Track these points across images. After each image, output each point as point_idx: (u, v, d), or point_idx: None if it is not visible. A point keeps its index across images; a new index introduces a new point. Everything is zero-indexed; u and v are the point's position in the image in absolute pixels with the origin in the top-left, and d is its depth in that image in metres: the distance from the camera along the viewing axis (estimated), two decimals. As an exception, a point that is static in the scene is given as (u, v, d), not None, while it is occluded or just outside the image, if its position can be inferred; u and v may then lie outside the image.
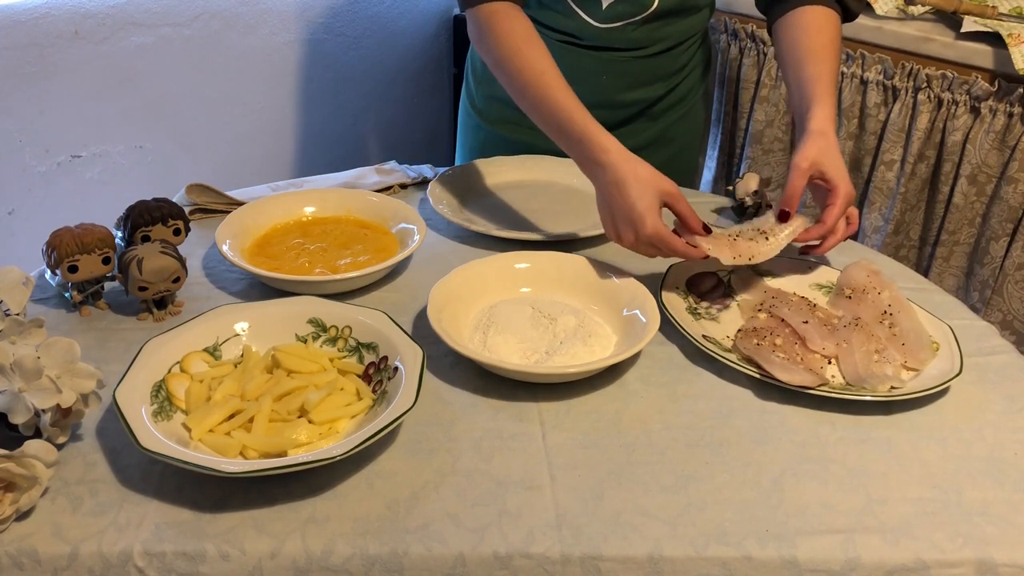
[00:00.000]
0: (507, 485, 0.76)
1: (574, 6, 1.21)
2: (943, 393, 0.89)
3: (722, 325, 0.99)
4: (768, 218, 1.05)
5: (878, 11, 1.70)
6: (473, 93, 1.44)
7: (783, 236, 1.02)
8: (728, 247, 1.01)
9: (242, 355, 0.88)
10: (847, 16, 1.18)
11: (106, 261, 0.96)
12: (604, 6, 1.19)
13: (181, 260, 0.96)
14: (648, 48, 1.26)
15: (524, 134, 1.36)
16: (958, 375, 0.89)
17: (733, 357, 0.91)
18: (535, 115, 1.08)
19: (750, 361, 0.91)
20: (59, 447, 0.77)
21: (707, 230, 1.01)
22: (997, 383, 0.92)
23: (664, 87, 1.33)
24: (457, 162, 1.52)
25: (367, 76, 2.17)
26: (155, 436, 0.74)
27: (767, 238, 1.02)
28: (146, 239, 1.01)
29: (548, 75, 1.06)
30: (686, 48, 1.32)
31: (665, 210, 1.00)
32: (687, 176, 1.48)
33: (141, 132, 1.87)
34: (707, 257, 0.99)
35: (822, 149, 1.01)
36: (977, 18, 1.62)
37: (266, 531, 0.71)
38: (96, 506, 0.73)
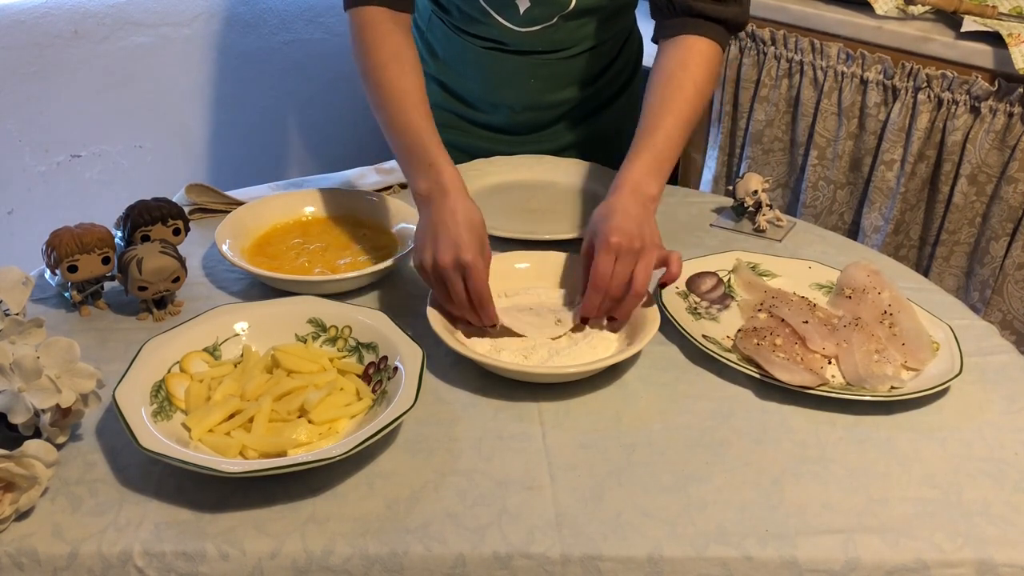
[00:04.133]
0: (507, 485, 0.76)
1: (493, 13, 1.20)
2: (943, 393, 0.89)
3: (722, 325, 0.99)
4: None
5: (878, 11, 1.70)
6: None
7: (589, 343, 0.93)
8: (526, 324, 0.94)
9: (242, 355, 0.88)
10: (731, 28, 1.12)
11: (106, 261, 0.96)
12: (521, 11, 1.18)
13: (181, 260, 0.96)
14: (572, 48, 1.25)
15: (457, 135, 1.36)
16: (958, 375, 0.89)
17: (733, 357, 0.91)
18: (387, 131, 1.04)
19: (750, 361, 0.91)
20: (59, 447, 0.77)
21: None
22: (997, 383, 0.92)
23: (594, 85, 1.32)
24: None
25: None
26: (155, 436, 0.74)
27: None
28: (146, 239, 1.01)
29: (411, 96, 1.03)
30: (613, 45, 1.31)
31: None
32: None
33: (141, 132, 1.87)
34: (494, 325, 0.92)
35: (600, 215, 0.95)
36: (977, 18, 1.62)
37: (266, 531, 0.71)
38: (96, 506, 0.73)
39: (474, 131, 1.36)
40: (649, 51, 1.38)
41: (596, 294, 0.91)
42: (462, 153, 1.36)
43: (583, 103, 1.33)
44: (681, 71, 1.07)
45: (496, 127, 1.35)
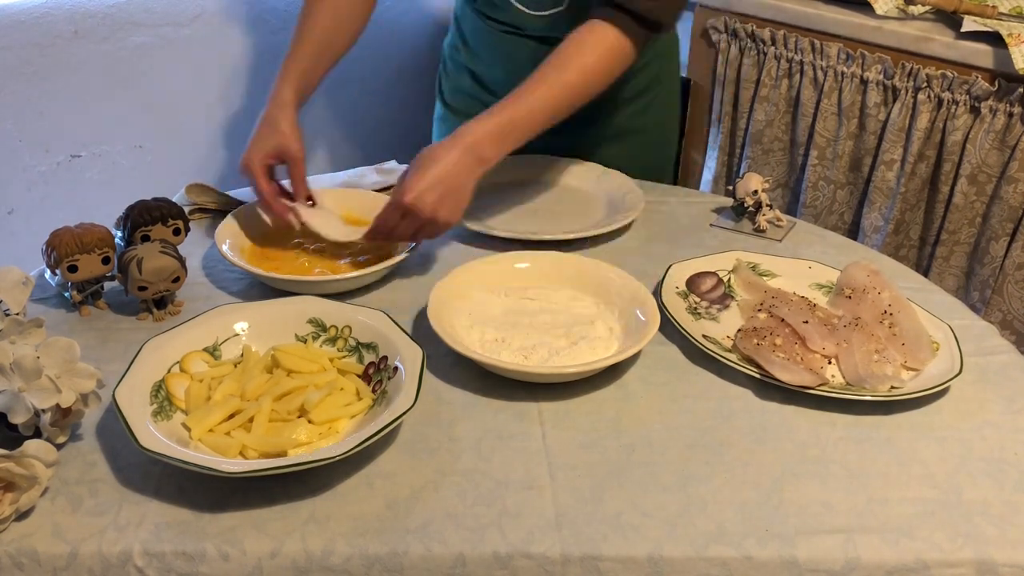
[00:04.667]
0: (507, 485, 0.76)
1: None
2: (943, 393, 0.89)
3: (722, 325, 0.99)
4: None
5: (878, 11, 1.70)
6: (442, 85, 1.46)
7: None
8: (323, 223, 1.08)
9: (242, 355, 0.88)
10: (646, 25, 1.09)
11: (106, 261, 0.96)
12: None
13: (181, 260, 0.96)
14: None
15: None
16: (958, 375, 0.89)
17: (733, 357, 0.91)
18: None
19: (750, 361, 0.91)
20: (59, 447, 0.77)
21: (311, 203, 1.12)
22: (997, 383, 0.92)
23: (617, 80, 1.32)
24: None
25: (367, 76, 2.17)
26: (155, 436, 0.74)
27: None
28: (146, 239, 1.01)
29: (308, 32, 1.18)
30: None
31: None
32: (663, 168, 1.46)
33: (141, 132, 1.87)
34: (286, 221, 1.07)
35: (421, 159, 1.03)
36: (977, 18, 1.62)
37: (266, 531, 0.71)
38: (96, 506, 0.73)
39: None
40: (687, 56, 1.35)
41: (377, 236, 1.04)
42: None
43: (607, 97, 1.33)
44: (575, 54, 1.08)
45: None
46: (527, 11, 1.23)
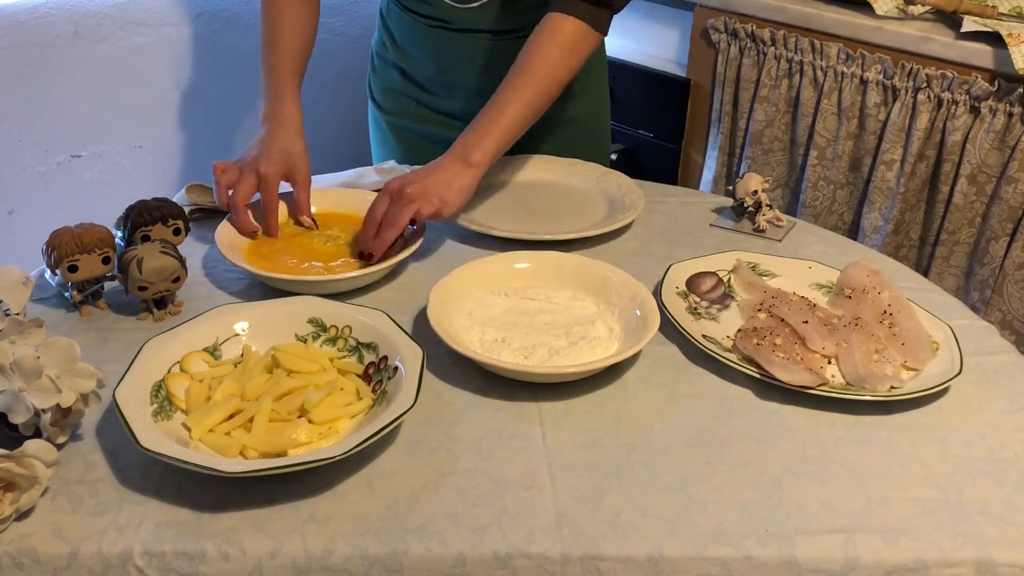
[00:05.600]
0: (507, 485, 0.76)
1: None
2: (943, 393, 0.89)
3: (722, 325, 0.99)
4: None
5: (878, 11, 1.70)
6: (371, 84, 1.46)
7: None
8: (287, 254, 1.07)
9: (242, 355, 0.88)
10: (599, 4, 1.12)
11: (106, 261, 0.96)
12: None
13: (181, 260, 0.96)
14: (517, 31, 1.25)
15: (418, 123, 1.37)
16: (958, 375, 0.89)
17: (733, 357, 0.91)
18: (261, 71, 1.19)
19: (750, 361, 0.91)
20: (59, 447, 0.77)
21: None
22: (997, 383, 0.92)
23: None
24: (373, 156, 1.51)
25: (367, 76, 2.17)
26: (155, 436, 0.74)
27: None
28: (146, 239, 1.01)
29: (280, 44, 1.18)
30: None
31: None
32: (600, 157, 1.43)
33: (141, 132, 1.87)
34: (254, 233, 1.09)
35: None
36: (977, 18, 1.63)
37: (266, 531, 0.71)
38: (96, 506, 0.73)
39: (433, 118, 1.37)
40: (611, 44, 1.35)
41: (366, 228, 1.05)
42: (424, 140, 1.36)
43: None
44: (534, 49, 1.12)
45: (454, 114, 1.36)
46: (453, 4, 1.23)
